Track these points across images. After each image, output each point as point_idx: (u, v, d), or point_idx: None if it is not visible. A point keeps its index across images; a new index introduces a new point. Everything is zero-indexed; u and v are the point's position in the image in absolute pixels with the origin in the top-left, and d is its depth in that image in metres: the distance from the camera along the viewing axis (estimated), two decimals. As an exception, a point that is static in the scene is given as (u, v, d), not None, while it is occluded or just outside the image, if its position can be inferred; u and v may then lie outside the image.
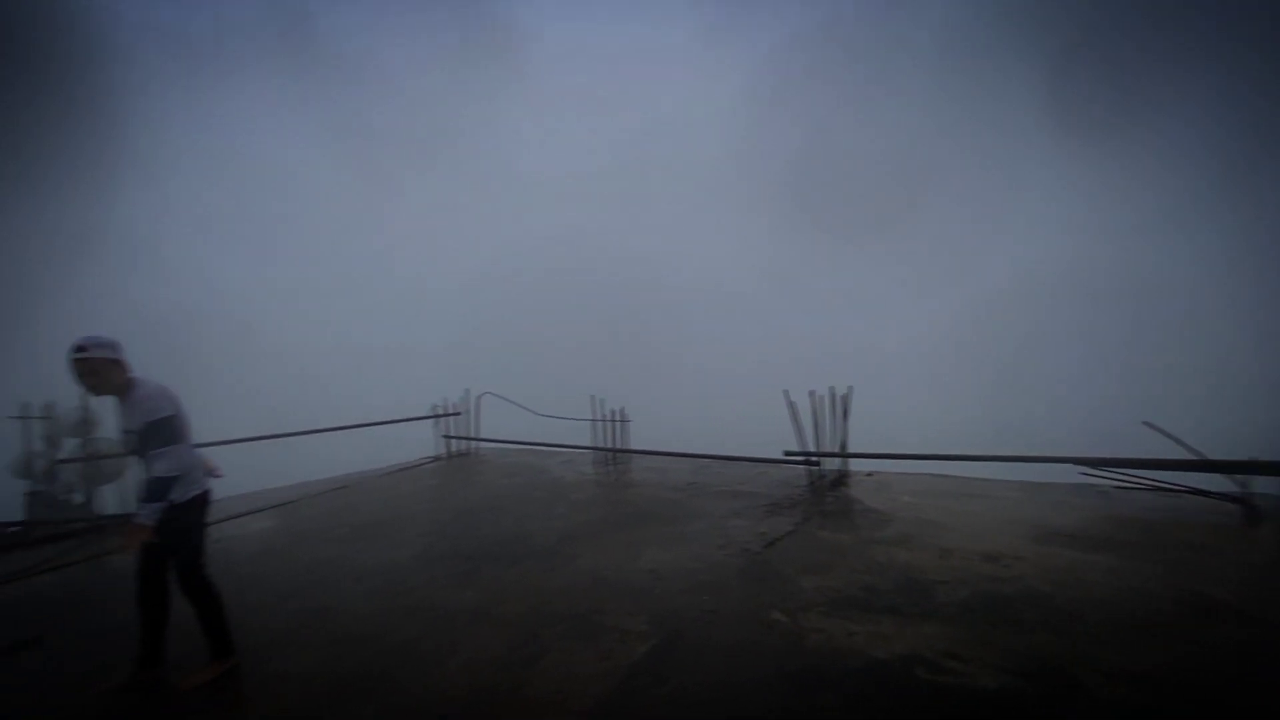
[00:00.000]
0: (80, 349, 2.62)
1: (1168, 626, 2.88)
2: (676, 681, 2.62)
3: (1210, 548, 3.91)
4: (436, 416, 9.54)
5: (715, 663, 2.76)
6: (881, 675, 2.58)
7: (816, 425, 6.33)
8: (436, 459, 9.26)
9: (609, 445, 8.24)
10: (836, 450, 6.30)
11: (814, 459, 6.39)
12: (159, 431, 2.67)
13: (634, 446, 8.17)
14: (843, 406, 6.20)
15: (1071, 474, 5.48)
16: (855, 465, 6.42)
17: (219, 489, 3.18)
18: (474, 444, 9.75)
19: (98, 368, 2.65)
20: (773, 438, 6.71)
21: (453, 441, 9.58)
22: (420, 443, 9.51)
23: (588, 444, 8.42)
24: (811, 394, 6.31)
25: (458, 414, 9.57)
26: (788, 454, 6.57)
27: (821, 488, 5.94)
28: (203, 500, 2.92)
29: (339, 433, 8.26)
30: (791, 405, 6.42)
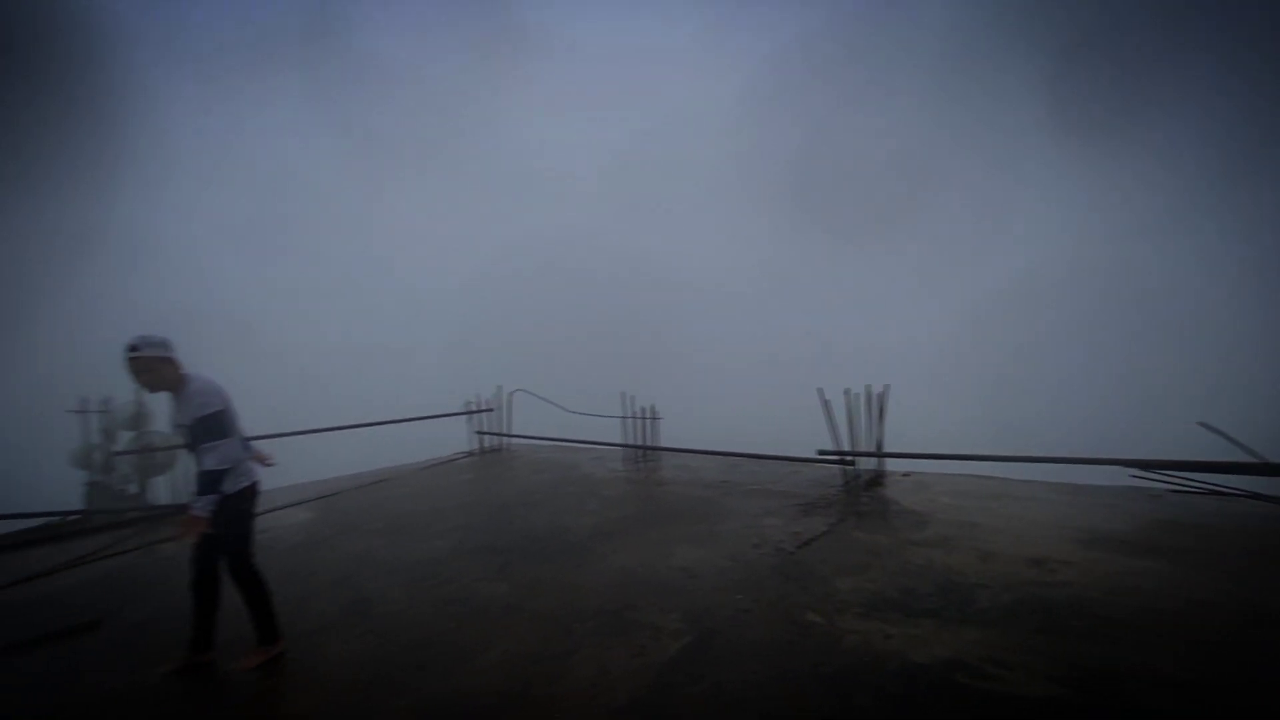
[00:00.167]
0: (133, 348, 2.73)
1: (1222, 637, 2.75)
2: (711, 679, 2.61)
3: (1269, 555, 3.73)
4: (470, 413, 9.71)
5: (750, 662, 2.74)
6: (920, 679, 2.52)
7: (851, 424, 6.24)
8: (470, 454, 9.42)
9: (640, 442, 8.26)
10: (872, 450, 6.19)
11: (849, 458, 6.29)
12: (208, 426, 2.78)
13: (664, 444, 8.17)
14: (879, 405, 6.09)
15: (1118, 477, 5.27)
16: (891, 465, 6.30)
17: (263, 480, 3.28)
18: (506, 440, 9.89)
19: (151, 365, 2.77)
20: (804, 437, 6.62)
21: (485, 437, 9.74)
22: (452, 439, 9.69)
23: (618, 441, 8.46)
24: (846, 393, 6.21)
25: (490, 410, 9.72)
26: (821, 453, 6.49)
27: (856, 488, 5.84)
28: (252, 491, 3.04)
29: (372, 428, 8.42)
30: (826, 404, 6.33)
